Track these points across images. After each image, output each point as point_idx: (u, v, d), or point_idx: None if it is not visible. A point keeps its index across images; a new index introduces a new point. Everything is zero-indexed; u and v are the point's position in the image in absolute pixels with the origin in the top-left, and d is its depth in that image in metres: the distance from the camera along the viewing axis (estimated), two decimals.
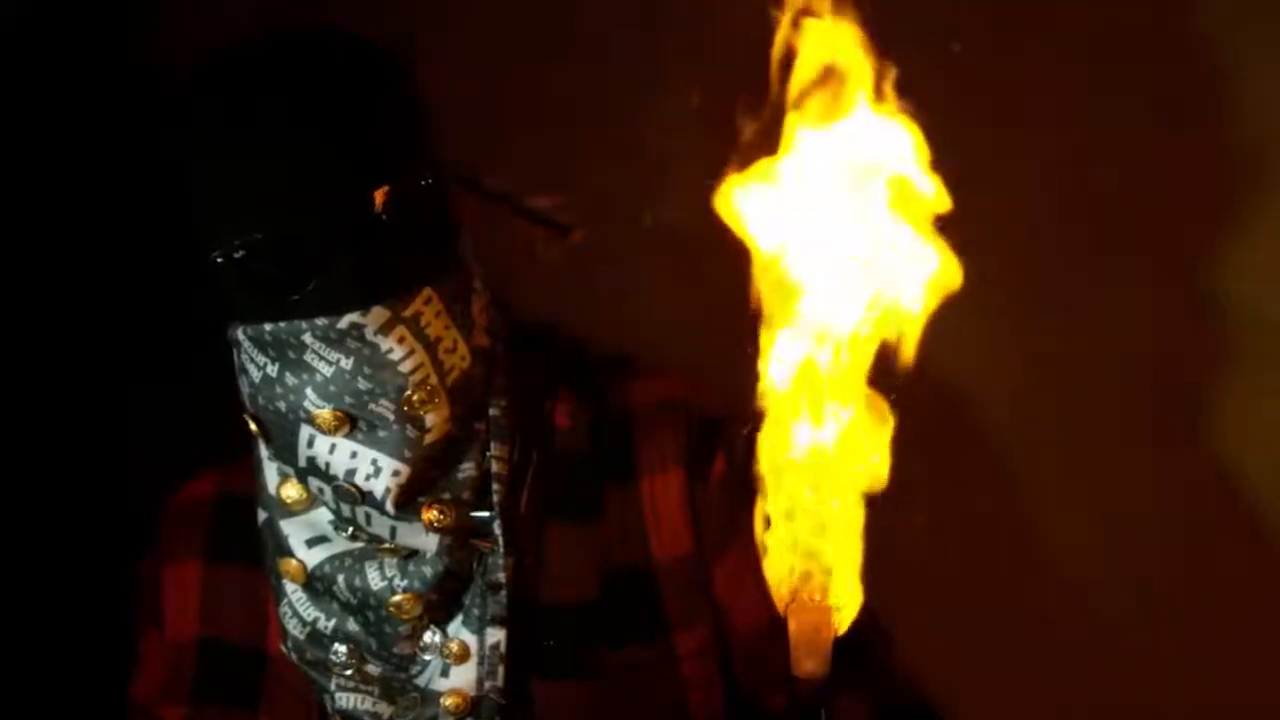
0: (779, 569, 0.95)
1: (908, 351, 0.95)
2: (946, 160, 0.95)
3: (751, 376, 0.97)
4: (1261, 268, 1.78)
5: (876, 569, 0.96)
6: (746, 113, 0.98)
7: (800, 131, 0.96)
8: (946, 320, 0.96)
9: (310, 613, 1.23)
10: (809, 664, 0.91)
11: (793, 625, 0.92)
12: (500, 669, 1.22)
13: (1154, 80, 1.76)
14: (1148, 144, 1.76)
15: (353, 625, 1.22)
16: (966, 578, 1.73)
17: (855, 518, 0.95)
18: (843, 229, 0.95)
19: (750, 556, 0.99)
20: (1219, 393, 1.82)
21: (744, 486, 0.99)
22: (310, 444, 1.16)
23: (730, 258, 0.97)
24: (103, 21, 1.75)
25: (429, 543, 1.20)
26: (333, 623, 1.23)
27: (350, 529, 1.21)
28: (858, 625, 0.97)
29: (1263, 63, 1.72)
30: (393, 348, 1.14)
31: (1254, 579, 1.83)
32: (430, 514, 1.19)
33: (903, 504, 0.96)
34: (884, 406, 0.96)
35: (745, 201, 0.95)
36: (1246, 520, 1.84)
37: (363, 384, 1.14)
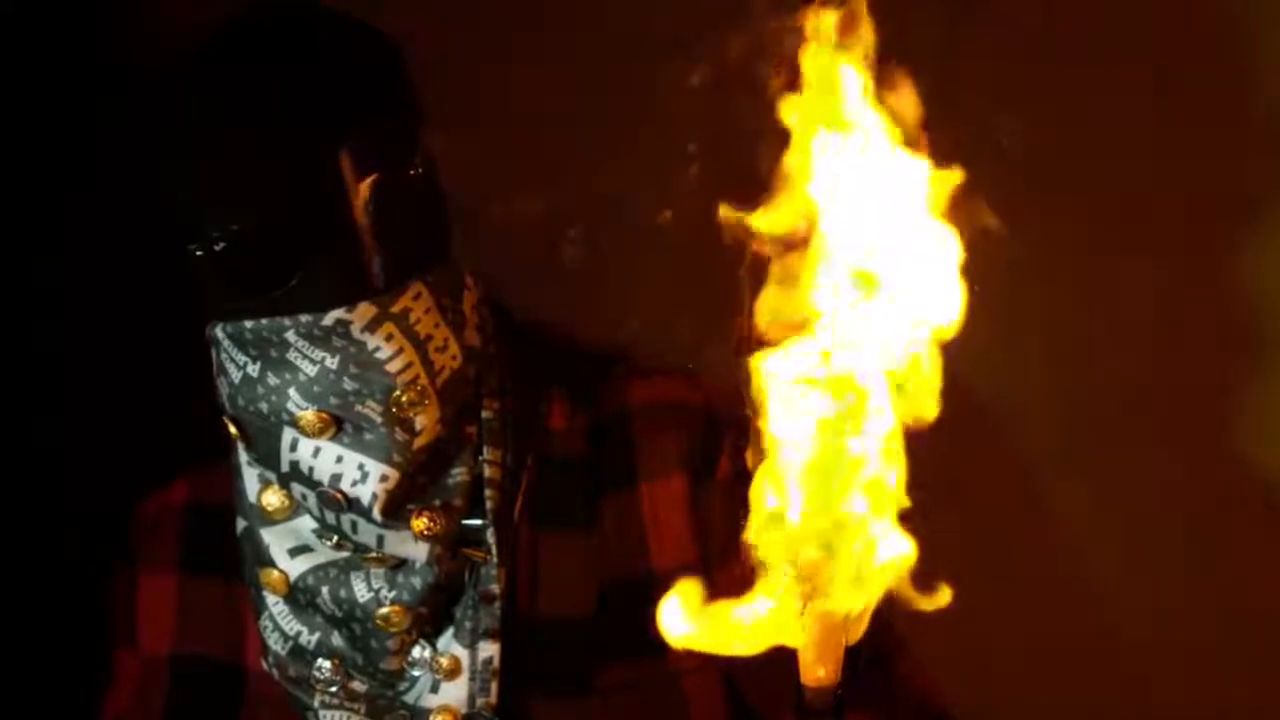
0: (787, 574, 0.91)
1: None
2: (964, 162, 0.91)
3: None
4: None
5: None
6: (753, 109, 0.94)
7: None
8: (970, 322, 0.92)
9: (292, 626, 1.19)
10: (819, 671, 0.86)
11: (803, 633, 0.88)
12: (493, 685, 1.18)
13: (1174, 79, 1.75)
14: (1172, 144, 1.75)
15: (337, 639, 1.18)
16: (981, 582, 1.71)
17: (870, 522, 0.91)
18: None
19: (757, 564, 0.94)
20: (1245, 394, 1.81)
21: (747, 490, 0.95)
22: (293, 447, 1.12)
23: (731, 255, 0.94)
24: (83, 13, 1.75)
25: (418, 552, 1.16)
26: (316, 637, 1.19)
27: (335, 538, 1.17)
28: (871, 634, 0.92)
29: None
30: (380, 346, 1.10)
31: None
32: (420, 521, 1.14)
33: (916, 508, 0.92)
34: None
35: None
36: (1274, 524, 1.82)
37: (349, 384, 1.10)
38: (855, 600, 0.88)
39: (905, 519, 0.90)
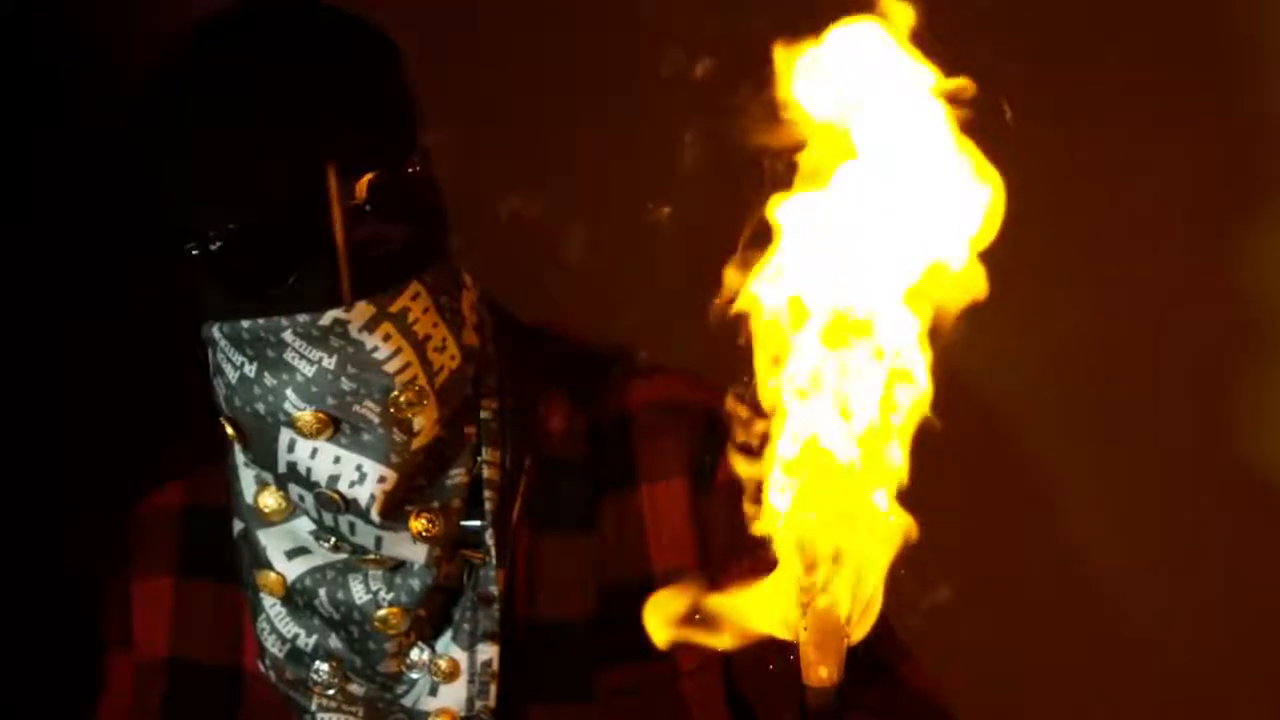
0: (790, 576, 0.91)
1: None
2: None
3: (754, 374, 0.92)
4: None
5: (895, 575, 0.91)
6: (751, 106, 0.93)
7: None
8: (971, 321, 0.91)
9: (290, 629, 1.18)
10: (821, 671, 0.86)
11: (805, 632, 0.88)
12: (492, 688, 1.17)
13: (1174, 79, 1.75)
14: (1172, 143, 1.75)
15: (335, 642, 1.18)
16: (981, 582, 1.71)
17: (873, 524, 0.90)
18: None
19: (758, 565, 0.93)
20: (1245, 394, 1.81)
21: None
22: (290, 448, 1.11)
23: (730, 254, 0.93)
24: (83, 13, 1.75)
25: (416, 553, 1.15)
26: (314, 639, 1.18)
27: (332, 539, 1.16)
28: (873, 636, 0.91)
29: None
30: (378, 346, 1.09)
31: None
32: (418, 523, 1.14)
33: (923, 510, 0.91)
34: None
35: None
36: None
37: (346, 384, 1.09)
38: (860, 585, 0.87)
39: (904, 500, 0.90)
